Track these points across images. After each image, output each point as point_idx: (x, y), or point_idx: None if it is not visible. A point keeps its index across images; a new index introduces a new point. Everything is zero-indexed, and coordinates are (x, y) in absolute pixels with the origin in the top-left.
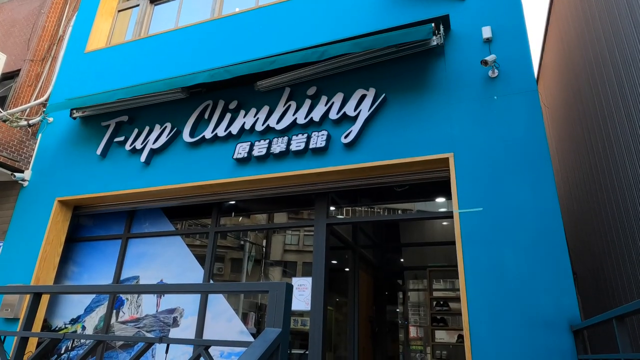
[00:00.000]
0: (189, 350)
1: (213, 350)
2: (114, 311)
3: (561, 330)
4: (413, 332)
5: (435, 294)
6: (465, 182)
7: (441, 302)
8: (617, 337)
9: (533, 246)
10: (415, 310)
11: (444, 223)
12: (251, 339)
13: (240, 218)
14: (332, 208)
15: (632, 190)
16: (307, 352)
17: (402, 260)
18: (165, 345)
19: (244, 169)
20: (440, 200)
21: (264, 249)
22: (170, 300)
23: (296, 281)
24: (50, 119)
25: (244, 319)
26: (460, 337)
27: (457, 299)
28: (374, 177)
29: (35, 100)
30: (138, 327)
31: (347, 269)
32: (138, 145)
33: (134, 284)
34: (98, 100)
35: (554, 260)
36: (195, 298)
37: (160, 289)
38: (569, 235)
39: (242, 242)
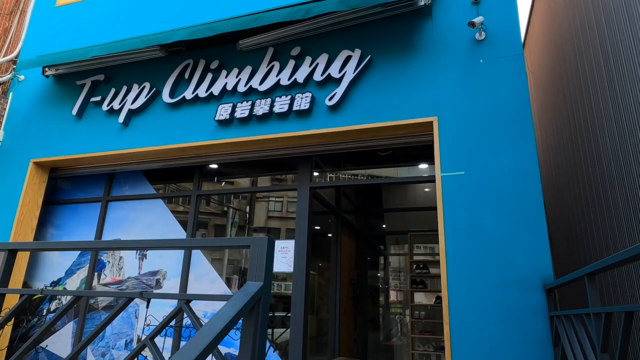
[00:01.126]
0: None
1: (197, 312)
2: (96, 274)
3: (535, 289)
4: (393, 295)
5: (416, 257)
6: (448, 146)
7: (421, 265)
8: (587, 292)
9: (512, 209)
10: (395, 275)
11: (426, 190)
12: None
13: (223, 183)
14: (315, 174)
15: (609, 159)
16: (289, 315)
17: (384, 225)
18: (150, 308)
19: (225, 131)
20: (424, 166)
21: (247, 215)
22: (152, 263)
23: (279, 244)
24: (22, 77)
25: (228, 283)
26: (438, 298)
27: (437, 263)
28: (358, 141)
29: (4, 56)
30: (120, 290)
31: (330, 234)
32: (115, 105)
33: (113, 240)
34: (71, 57)
35: (531, 222)
36: (178, 260)
37: (142, 245)
38: (547, 202)
39: (225, 209)
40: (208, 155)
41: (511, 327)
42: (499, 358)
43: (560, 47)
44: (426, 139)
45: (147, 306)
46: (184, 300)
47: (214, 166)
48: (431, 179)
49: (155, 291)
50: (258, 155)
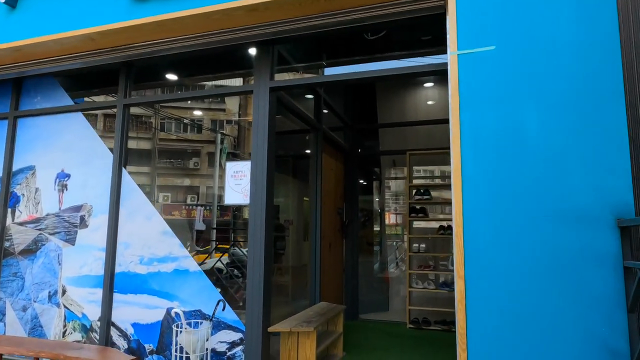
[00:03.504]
0: (101, 255)
1: (132, 257)
2: (9, 210)
3: (602, 225)
4: (390, 219)
5: (415, 181)
6: (469, 7)
7: (422, 191)
8: None
9: (571, 104)
10: (392, 198)
11: (429, 102)
12: (176, 241)
13: (159, 90)
14: (290, 77)
15: None
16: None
17: (379, 144)
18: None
19: (143, 6)
20: (433, 60)
21: (236, 140)
22: (74, 196)
23: (231, 167)
24: None
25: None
26: (442, 228)
27: (439, 187)
28: (333, 14)
29: None
30: (39, 229)
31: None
32: None
33: None
34: None
35: (601, 124)
36: (104, 192)
37: None
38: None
39: (216, 135)
40: (129, 47)
41: (560, 284)
42: (540, 328)
43: None
44: (436, 3)
45: None
46: None
47: (144, 65)
48: (441, 69)
49: (79, 230)
50: (196, 43)
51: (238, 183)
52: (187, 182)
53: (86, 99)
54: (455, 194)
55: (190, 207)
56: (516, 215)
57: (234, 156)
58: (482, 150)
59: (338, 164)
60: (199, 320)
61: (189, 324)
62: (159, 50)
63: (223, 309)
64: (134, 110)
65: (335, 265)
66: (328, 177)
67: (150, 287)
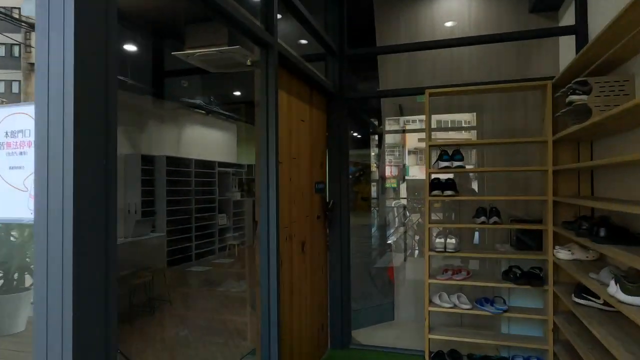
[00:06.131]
0: None
1: None
2: None
3: None
4: (387, 171)
5: (435, 134)
6: None
7: (449, 153)
8: None
9: None
10: (390, 151)
11: (448, 24)
12: None
13: None
14: None
15: None
16: None
17: (377, 87)
18: None
19: None
20: None
21: None
22: None
23: None
24: None
25: None
26: (483, 212)
27: (472, 146)
28: None
29: None
30: None
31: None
32: None
33: None
34: None
35: None
36: None
37: None
38: None
39: None
40: None
41: None
42: None
43: None
44: None
45: None
46: None
47: None
48: None
49: None
50: None
51: (20, 165)
52: None
53: None
54: None
55: None
56: None
57: None
58: None
59: (317, 113)
60: None
61: None
62: None
63: None
64: None
65: (313, 270)
66: (298, 132)
67: None
